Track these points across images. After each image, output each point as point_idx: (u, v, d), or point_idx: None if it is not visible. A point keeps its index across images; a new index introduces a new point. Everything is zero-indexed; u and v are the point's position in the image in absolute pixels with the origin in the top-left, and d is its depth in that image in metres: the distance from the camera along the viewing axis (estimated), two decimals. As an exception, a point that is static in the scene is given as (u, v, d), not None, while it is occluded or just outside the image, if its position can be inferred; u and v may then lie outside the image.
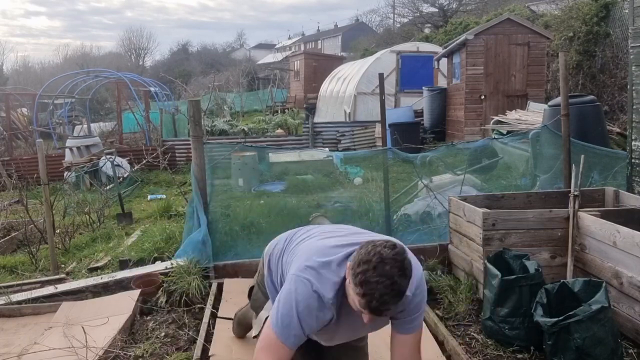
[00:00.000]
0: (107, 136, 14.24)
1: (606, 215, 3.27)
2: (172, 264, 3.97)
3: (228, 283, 3.88)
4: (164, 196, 8.17)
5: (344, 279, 1.91)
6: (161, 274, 3.95)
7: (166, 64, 45.66)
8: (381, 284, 1.74)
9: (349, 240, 2.05)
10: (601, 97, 9.65)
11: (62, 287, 3.99)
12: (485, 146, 6.07)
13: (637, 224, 3.16)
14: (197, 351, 2.94)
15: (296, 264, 2.02)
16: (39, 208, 6.70)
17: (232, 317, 3.16)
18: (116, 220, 6.64)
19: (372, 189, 6.08)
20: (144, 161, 9.72)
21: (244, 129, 15.03)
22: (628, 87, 4.42)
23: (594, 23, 10.48)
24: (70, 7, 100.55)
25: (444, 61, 14.06)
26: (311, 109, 19.98)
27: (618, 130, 8.03)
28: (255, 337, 2.37)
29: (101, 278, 4.11)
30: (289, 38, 66.00)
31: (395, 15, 37.23)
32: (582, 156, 3.89)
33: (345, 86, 17.05)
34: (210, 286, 3.82)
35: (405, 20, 35.50)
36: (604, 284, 2.73)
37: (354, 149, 12.45)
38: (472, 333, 3.18)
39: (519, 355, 2.89)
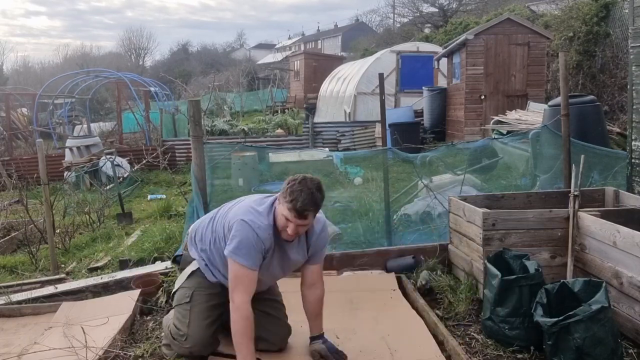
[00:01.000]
0: (107, 136, 14.24)
1: (606, 215, 3.26)
2: (172, 264, 3.97)
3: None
4: (164, 196, 8.17)
5: (274, 221, 2.61)
6: (161, 274, 3.95)
7: (166, 64, 45.66)
8: (304, 192, 2.49)
9: (268, 195, 2.78)
10: (601, 97, 9.65)
11: (62, 287, 3.99)
12: (485, 146, 6.07)
13: (637, 224, 3.16)
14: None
15: (238, 216, 2.62)
16: (39, 208, 6.70)
17: None
18: (116, 220, 6.64)
19: (372, 189, 6.08)
20: (144, 161, 9.72)
21: (244, 129, 15.03)
22: (628, 87, 4.42)
23: (594, 23, 10.48)
24: (70, 6, 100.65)
25: (444, 61, 14.06)
26: (311, 109, 19.98)
27: (618, 130, 8.03)
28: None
29: (101, 278, 4.11)
30: (289, 38, 66.01)
31: (395, 15, 37.26)
32: (582, 156, 3.89)
33: (345, 86, 17.05)
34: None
35: (405, 20, 35.51)
36: (604, 284, 2.73)
37: (354, 149, 12.45)
38: (472, 333, 3.18)
39: (519, 355, 2.89)
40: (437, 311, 3.45)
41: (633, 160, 4.31)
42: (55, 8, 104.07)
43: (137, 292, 3.69)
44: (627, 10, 8.30)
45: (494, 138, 7.74)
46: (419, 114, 13.36)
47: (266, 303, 2.92)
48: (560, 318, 2.60)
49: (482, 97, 11.22)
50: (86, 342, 2.92)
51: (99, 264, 4.84)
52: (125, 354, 3.01)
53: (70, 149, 10.86)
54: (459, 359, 2.75)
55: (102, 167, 9.31)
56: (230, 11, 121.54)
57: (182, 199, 7.24)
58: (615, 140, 7.56)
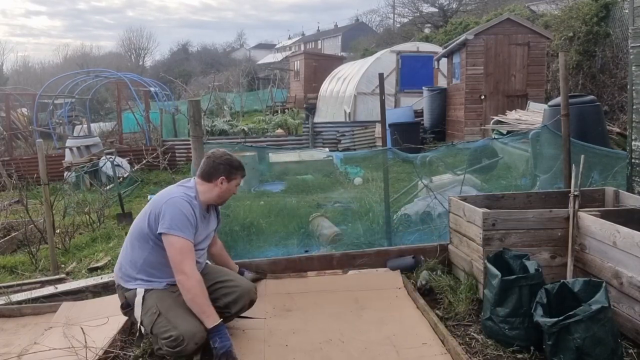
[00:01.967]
0: (107, 136, 14.24)
1: (606, 215, 3.26)
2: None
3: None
4: (164, 196, 8.14)
5: (195, 197, 2.99)
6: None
7: (166, 64, 45.68)
8: (234, 159, 3.10)
9: (181, 181, 3.17)
10: (601, 97, 9.65)
11: (62, 287, 3.99)
12: (485, 146, 6.07)
13: (637, 224, 3.16)
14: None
15: (164, 199, 2.91)
16: (39, 208, 6.70)
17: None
18: (116, 220, 6.64)
19: (372, 189, 6.07)
20: (144, 161, 9.73)
21: (244, 129, 15.03)
22: (628, 87, 4.42)
23: (594, 23, 10.48)
24: (71, 6, 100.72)
25: (444, 61, 14.06)
26: (311, 109, 19.99)
27: (618, 130, 8.03)
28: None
29: (101, 278, 4.12)
30: (289, 38, 66.04)
31: (395, 15, 37.29)
32: (582, 156, 3.89)
33: (345, 86, 17.05)
34: (210, 286, 3.82)
35: (405, 20, 35.53)
36: (604, 284, 2.73)
37: (354, 149, 12.46)
38: (472, 333, 3.18)
39: (519, 355, 2.89)
40: (437, 311, 3.45)
41: (633, 160, 4.31)
42: (56, 8, 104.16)
43: (137, 292, 3.68)
44: (627, 10, 8.30)
45: (494, 138, 7.74)
46: (419, 114, 13.36)
47: (215, 276, 3.14)
48: (560, 318, 2.60)
49: (482, 97, 11.22)
50: (86, 342, 2.92)
51: (99, 264, 4.84)
52: (125, 354, 3.01)
53: (70, 149, 10.86)
54: (459, 358, 2.75)
55: (102, 167, 9.31)
56: (232, 11, 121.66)
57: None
58: (615, 140, 7.57)
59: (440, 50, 14.68)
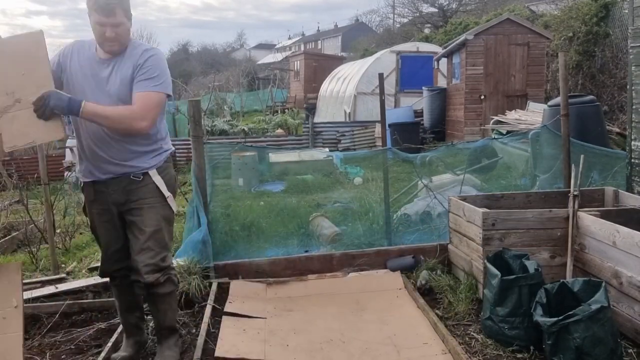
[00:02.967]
0: (107, 136, 14.20)
1: (606, 215, 3.27)
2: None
3: (235, 284, 3.87)
4: (164, 196, 8.15)
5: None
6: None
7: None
8: None
9: None
10: (601, 97, 9.65)
11: (62, 287, 3.99)
12: (485, 146, 6.07)
13: (637, 224, 3.17)
14: (197, 351, 2.94)
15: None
16: (40, 208, 6.69)
17: (240, 312, 3.18)
18: (116, 220, 6.63)
19: (372, 189, 6.07)
20: (144, 161, 9.69)
21: (244, 129, 15.05)
22: (628, 87, 4.43)
23: (594, 23, 10.48)
24: (71, 6, 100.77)
25: (443, 61, 14.07)
26: (311, 109, 19.99)
27: (618, 130, 8.04)
28: None
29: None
30: (289, 38, 66.05)
31: (395, 16, 37.27)
32: (582, 156, 3.89)
33: (345, 86, 17.06)
34: (210, 286, 3.82)
35: (405, 20, 35.52)
36: (603, 284, 2.73)
37: (354, 149, 12.46)
38: (471, 333, 3.18)
39: (519, 355, 2.90)
40: (437, 311, 3.46)
41: (633, 160, 4.32)
42: (56, 7, 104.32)
43: (138, 292, 3.68)
44: (626, 10, 8.30)
45: (494, 138, 7.75)
46: (418, 114, 13.37)
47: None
48: (560, 318, 2.60)
49: (482, 97, 11.23)
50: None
51: (99, 264, 4.83)
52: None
53: (71, 149, 10.84)
54: (459, 358, 2.75)
55: (102, 167, 9.29)
56: (233, 10, 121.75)
57: (182, 199, 7.23)
58: (615, 140, 7.57)
59: (440, 50, 14.68)
